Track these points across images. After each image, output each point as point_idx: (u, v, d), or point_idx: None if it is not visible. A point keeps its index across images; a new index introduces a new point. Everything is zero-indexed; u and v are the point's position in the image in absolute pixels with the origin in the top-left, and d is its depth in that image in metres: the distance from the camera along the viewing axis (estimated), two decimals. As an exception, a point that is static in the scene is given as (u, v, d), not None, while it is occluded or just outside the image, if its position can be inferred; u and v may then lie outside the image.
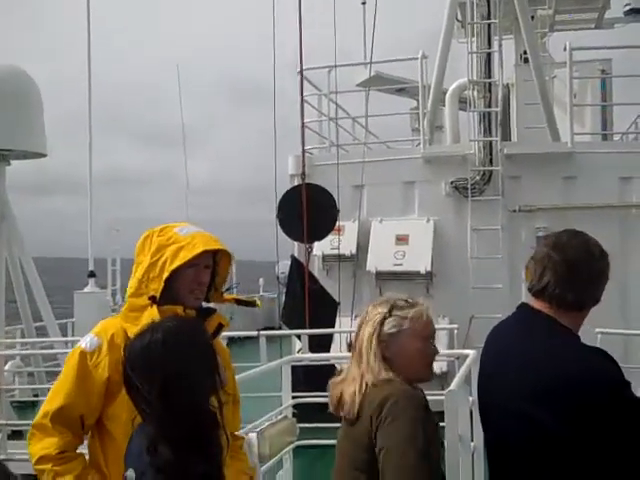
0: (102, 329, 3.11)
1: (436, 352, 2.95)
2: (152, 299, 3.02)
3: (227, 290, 3.42)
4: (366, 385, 2.79)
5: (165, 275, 3.02)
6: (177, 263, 3.01)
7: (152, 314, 2.94)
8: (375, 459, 2.69)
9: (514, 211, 11.26)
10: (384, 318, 2.90)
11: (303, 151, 10.91)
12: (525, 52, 12.97)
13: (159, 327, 2.63)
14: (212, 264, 3.19)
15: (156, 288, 3.03)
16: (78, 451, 3.04)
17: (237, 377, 6.05)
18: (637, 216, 11.10)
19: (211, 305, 3.29)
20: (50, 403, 2.99)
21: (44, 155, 11.55)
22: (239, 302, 3.48)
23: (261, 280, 26.27)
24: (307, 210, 9.87)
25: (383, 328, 2.88)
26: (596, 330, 8.21)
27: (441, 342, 9.35)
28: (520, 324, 2.91)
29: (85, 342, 3.06)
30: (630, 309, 10.75)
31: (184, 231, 3.12)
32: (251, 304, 3.61)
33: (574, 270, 2.75)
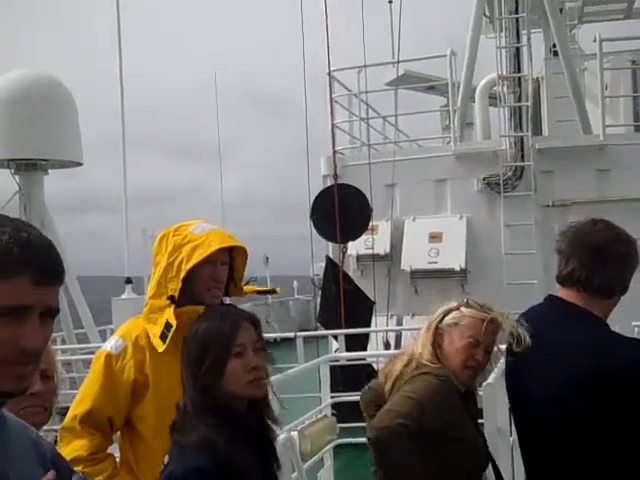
0: (126, 331, 3.14)
1: (477, 361, 3.02)
2: (171, 299, 3.04)
3: (246, 284, 3.44)
4: (408, 363, 2.96)
5: (182, 275, 3.02)
6: (193, 262, 3.01)
7: (169, 314, 2.97)
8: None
9: (547, 206, 11.21)
10: (450, 310, 3.06)
11: (334, 152, 10.98)
12: (554, 45, 12.91)
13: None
14: (228, 260, 3.19)
15: (174, 288, 3.03)
16: (108, 451, 3.08)
17: (276, 377, 6.17)
18: None
19: (230, 300, 3.29)
20: (78, 406, 3.03)
21: (80, 164, 11.72)
22: (259, 292, 3.51)
23: (295, 283, 26.34)
24: (340, 210, 9.93)
25: (445, 318, 3.04)
26: (633, 323, 8.18)
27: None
28: (551, 315, 2.91)
29: (110, 345, 3.09)
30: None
31: (199, 229, 3.11)
32: (271, 292, 3.65)
33: (599, 254, 2.76)
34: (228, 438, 2.42)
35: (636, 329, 8.12)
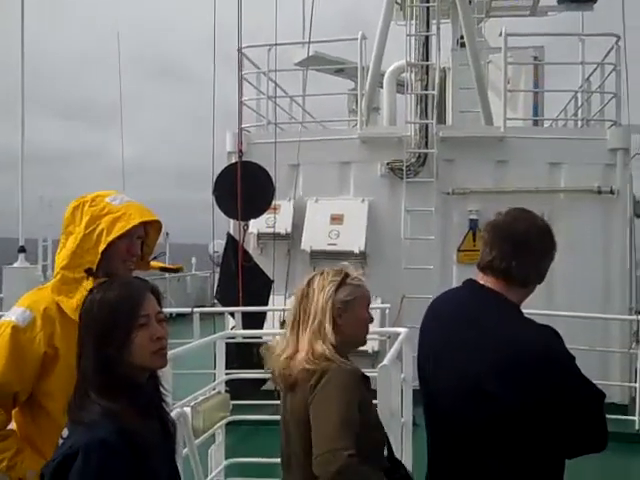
0: (32, 302, 3.03)
1: (372, 319, 3.13)
2: (88, 271, 2.97)
3: (153, 259, 3.40)
4: (313, 353, 2.88)
5: (102, 247, 2.96)
6: (114, 235, 2.96)
7: (88, 287, 2.84)
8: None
9: (447, 193, 11.42)
10: (339, 286, 3.02)
11: (240, 129, 10.90)
12: (462, 37, 13.11)
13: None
14: (144, 235, 3.17)
15: (92, 260, 2.97)
16: (8, 428, 2.97)
17: (170, 353, 6.11)
18: (565, 201, 11.39)
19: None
20: None
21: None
22: (164, 269, 3.47)
23: (194, 259, 26.15)
24: (243, 188, 9.87)
25: (338, 295, 2.99)
26: (525, 311, 8.44)
27: (373, 321, 9.49)
28: (467, 300, 2.98)
29: (15, 316, 2.97)
30: (556, 290, 11.04)
31: (117, 201, 3.07)
32: (176, 270, 3.63)
33: (520, 244, 2.85)
34: (131, 410, 2.39)
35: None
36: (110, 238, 2.97)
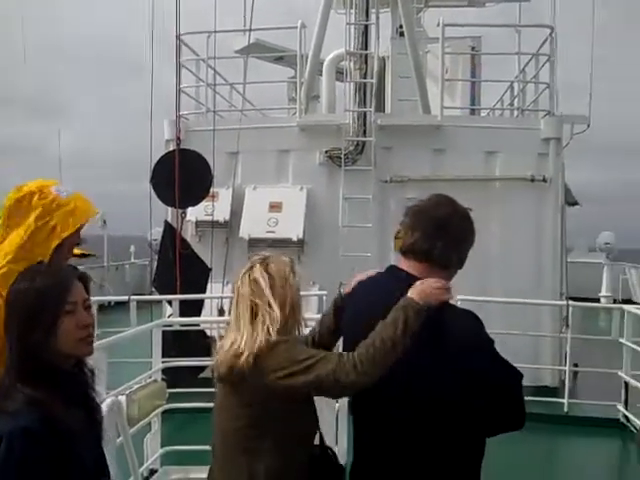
0: None
1: None
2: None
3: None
4: (261, 342, 2.89)
5: (56, 242, 2.96)
6: (70, 230, 2.96)
7: None
8: (269, 409, 2.88)
9: (385, 181, 11.53)
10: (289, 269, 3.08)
11: (178, 116, 10.82)
12: (401, 26, 13.24)
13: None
14: None
15: (43, 253, 2.96)
16: None
17: (106, 341, 6.10)
18: (500, 189, 11.61)
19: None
20: None
21: None
22: (80, 255, 3.47)
23: (132, 247, 25.92)
24: (181, 175, 9.84)
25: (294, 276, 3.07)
26: (456, 297, 8.60)
27: (311, 308, 9.56)
28: (387, 286, 3.02)
29: None
30: (490, 277, 11.27)
31: (64, 193, 3.05)
32: (89, 255, 3.61)
33: (440, 227, 2.92)
34: (55, 398, 2.40)
35: (459, 302, 8.54)
36: (66, 234, 2.96)
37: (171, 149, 10.94)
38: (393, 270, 3.07)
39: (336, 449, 6.37)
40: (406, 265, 3.00)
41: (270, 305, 2.95)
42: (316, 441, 3.16)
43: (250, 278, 3.01)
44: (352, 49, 11.93)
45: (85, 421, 2.55)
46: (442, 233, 2.92)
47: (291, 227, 11.34)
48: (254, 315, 2.95)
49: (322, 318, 3.37)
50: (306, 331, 3.34)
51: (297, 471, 2.99)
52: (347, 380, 2.71)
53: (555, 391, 10.38)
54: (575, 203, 18.62)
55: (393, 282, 2.99)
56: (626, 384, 8.96)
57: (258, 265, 3.04)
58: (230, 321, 3.05)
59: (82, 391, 2.59)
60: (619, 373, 9.06)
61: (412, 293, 2.78)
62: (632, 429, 8.50)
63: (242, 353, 2.87)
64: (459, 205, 3.04)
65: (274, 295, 2.97)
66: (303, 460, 3.02)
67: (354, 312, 3.10)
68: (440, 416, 2.79)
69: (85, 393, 2.61)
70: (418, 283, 2.82)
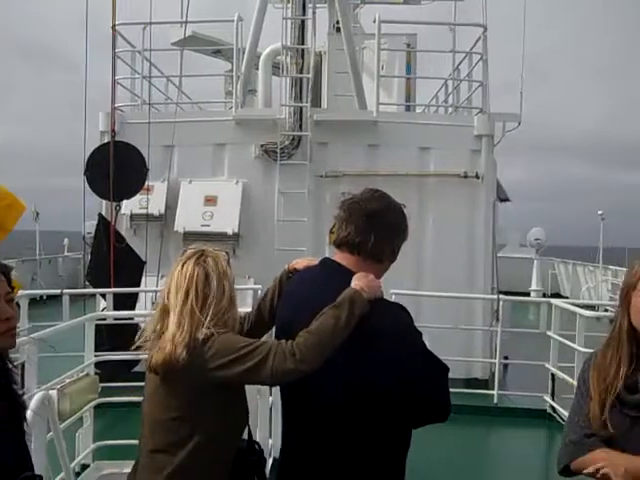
0: None
1: None
2: None
3: None
4: (197, 334, 2.92)
5: (2, 236, 2.95)
6: (15, 222, 2.96)
7: None
8: (202, 401, 2.92)
9: (321, 176, 11.59)
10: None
11: (113, 108, 10.72)
12: (338, 22, 13.30)
13: None
14: None
15: None
16: None
17: (38, 334, 6.04)
18: (434, 185, 11.78)
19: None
20: None
21: None
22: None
23: (66, 240, 25.54)
24: (115, 168, 9.75)
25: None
26: (391, 291, 8.74)
27: (246, 302, 9.57)
28: (320, 279, 3.07)
29: None
30: (424, 271, 11.46)
31: None
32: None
33: (373, 220, 2.96)
34: None
35: (393, 296, 8.68)
36: (13, 225, 2.96)
37: (106, 141, 10.83)
38: (329, 263, 3.10)
39: (270, 442, 6.47)
40: (340, 258, 3.04)
41: (207, 297, 2.98)
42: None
43: (187, 270, 3.02)
44: (289, 44, 11.95)
45: (7, 415, 2.53)
46: (375, 226, 2.96)
47: (226, 221, 11.32)
48: (191, 307, 2.97)
49: (260, 302, 3.38)
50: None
51: (222, 464, 3.03)
52: (285, 367, 2.76)
53: (486, 383, 10.62)
54: (506, 199, 19.00)
55: (331, 275, 3.03)
56: (553, 376, 9.19)
57: (195, 258, 3.06)
58: (160, 310, 3.06)
59: (4, 384, 2.58)
60: (546, 365, 9.30)
61: (357, 285, 2.83)
62: (558, 419, 8.73)
63: (178, 344, 2.90)
64: (393, 199, 3.09)
65: (211, 287, 2.99)
66: (230, 453, 3.06)
67: (292, 304, 3.12)
68: (368, 406, 2.85)
69: (7, 386, 2.59)
70: (361, 275, 2.88)
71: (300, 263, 3.27)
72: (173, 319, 2.98)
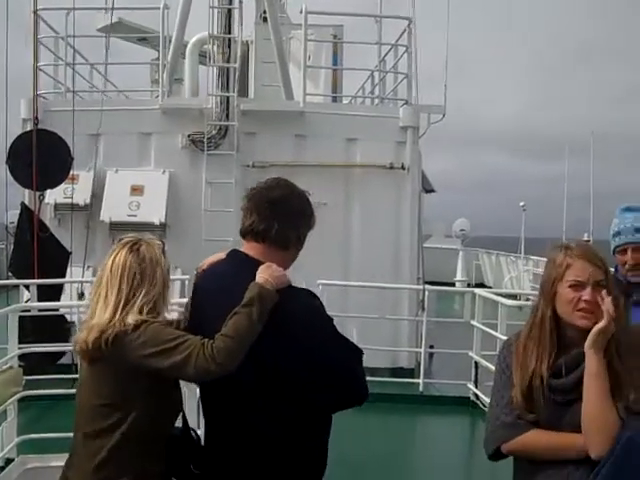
0: None
1: None
2: None
3: None
4: (129, 320, 2.93)
5: None
6: None
7: None
8: (131, 387, 2.93)
9: (248, 166, 11.56)
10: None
11: (35, 95, 10.51)
12: (265, 12, 13.27)
13: None
14: None
15: None
16: None
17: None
18: (359, 175, 11.89)
19: None
20: None
21: None
22: None
23: None
24: (39, 157, 9.58)
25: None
26: (318, 282, 8.82)
27: (174, 292, 9.53)
28: (227, 271, 3.10)
29: None
30: (350, 262, 11.57)
31: None
32: None
33: (276, 207, 2.99)
34: None
35: (320, 287, 8.76)
36: None
37: (28, 129, 10.62)
38: (236, 255, 3.12)
39: (200, 432, 6.46)
40: (247, 248, 3.06)
41: (140, 285, 3.00)
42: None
43: (120, 257, 3.04)
44: (215, 33, 11.87)
45: None
46: (278, 213, 2.99)
47: (153, 211, 11.22)
48: (124, 294, 2.98)
49: (187, 302, 3.37)
50: (174, 315, 3.39)
51: (154, 450, 3.04)
52: (207, 368, 2.78)
53: (411, 372, 10.79)
54: (431, 190, 19.30)
55: (239, 267, 3.05)
56: (476, 364, 9.39)
57: (128, 245, 3.07)
58: (95, 298, 3.06)
59: None
60: (470, 353, 9.50)
61: (261, 278, 2.87)
62: (481, 406, 8.94)
63: (109, 330, 2.91)
64: (297, 187, 3.13)
65: (145, 276, 3.01)
66: (161, 440, 3.07)
67: (206, 299, 3.14)
68: (282, 393, 2.89)
69: None
70: (264, 267, 2.91)
71: (207, 262, 3.26)
72: (103, 305, 2.99)
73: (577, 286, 2.81)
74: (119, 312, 2.95)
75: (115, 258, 3.05)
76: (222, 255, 3.22)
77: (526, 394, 2.82)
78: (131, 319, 2.92)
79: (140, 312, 2.95)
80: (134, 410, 2.95)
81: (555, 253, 2.92)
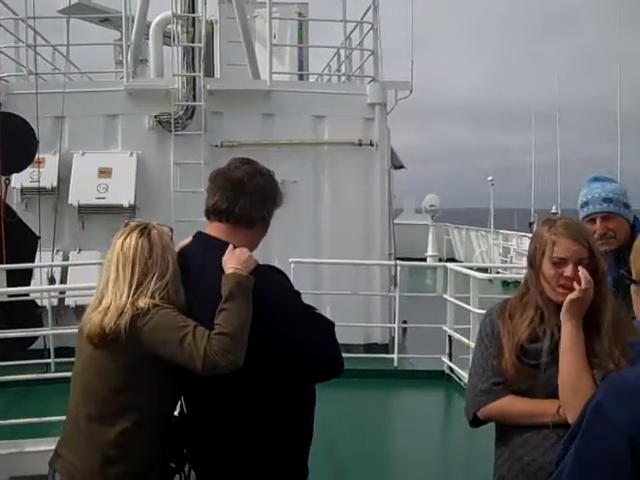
0: None
1: None
2: None
3: None
4: (142, 304, 2.90)
5: None
6: None
7: None
8: (138, 371, 2.92)
9: (216, 146, 11.50)
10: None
11: (-4, 78, 10.37)
12: (228, -11, 13.16)
13: None
14: None
15: None
16: None
17: None
18: (328, 152, 11.89)
19: None
20: None
21: None
22: None
23: None
24: (3, 141, 9.45)
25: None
26: (290, 259, 8.83)
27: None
28: (196, 250, 3.09)
29: None
30: (322, 239, 11.59)
31: None
32: None
33: (239, 185, 2.99)
34: None
35: (292, 265, 8.77)
36: None
37: (-10, 113, 10.46)
38: (201, 237, 3.11)
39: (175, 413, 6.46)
40: (211, 229, 3.06)
41: (150, 268, 2.97)
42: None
43: (130, 241, 3.00)
44: (179, 12, 11.75)
45: None
46: (241, 192, 2.99)
47: (122, 193, 11.12)
48: (136, 277, 2.95)
49: None
50: None
51: (156, 436, 3.04)
52: (216, 365, 2.77)
53: (385, 347, 10.86)
54: (401, 166, 19.34)
55: (204, 250, 3.05)
56: (450, 337, 9.48)
57: (139, 229, 3.04)
58: (105, 279, 3.02)
59: None
60: (443, 327, 9.57)
61: (231, 268, 2.87)
62: (456, 379, 9.02)
63: (118, 313, 2.88)
64: (261, 166, 3.12)
65: (155, 259, 2.98)
66: (162, 427, 3.07)
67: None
68: (261, 370, 2.90)
69: None
70: (229, 256, 2.90)
71: (179, 246, 3.19)
72: (115, 287, 2.96)
73: (559, 263, 2.86)
74: (128, 296, 2.92)
75: (125, 240, 3.00)
76: (187, 241, 3.20)
77: (514, 360, 2.86)
78: (142, 302, 2.90)
79: (152, 296, 2.92)
80: (138, 395, 2.95)
81: (542, 229, 2.97)
